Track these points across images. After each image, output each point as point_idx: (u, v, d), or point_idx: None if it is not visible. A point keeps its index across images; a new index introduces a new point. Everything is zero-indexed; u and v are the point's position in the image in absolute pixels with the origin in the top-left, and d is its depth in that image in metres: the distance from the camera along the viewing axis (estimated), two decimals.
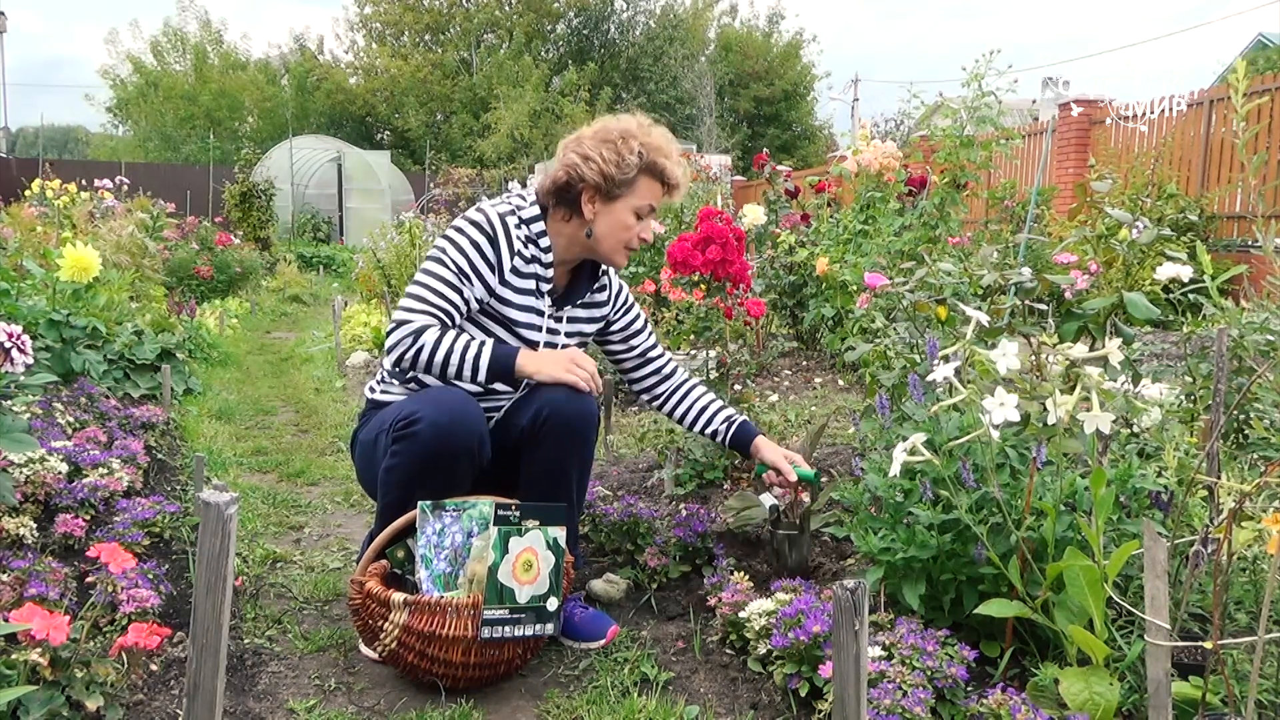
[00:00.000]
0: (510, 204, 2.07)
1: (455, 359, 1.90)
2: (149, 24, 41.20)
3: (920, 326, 2.62)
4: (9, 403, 2.17)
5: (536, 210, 2.05)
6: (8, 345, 1.81)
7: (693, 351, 3.32)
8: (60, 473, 2.54)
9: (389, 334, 1.96)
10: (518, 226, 2.03)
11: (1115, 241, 2.42)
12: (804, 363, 5.33)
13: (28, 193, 9.04)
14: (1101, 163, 7.94)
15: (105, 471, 2.67)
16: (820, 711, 1.68)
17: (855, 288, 4.36)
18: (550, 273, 2.07)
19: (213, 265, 9.11)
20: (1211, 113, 8.01)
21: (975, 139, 4.21)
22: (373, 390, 2.14)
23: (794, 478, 2.21)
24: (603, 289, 2.22)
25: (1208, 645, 1.35)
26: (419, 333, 1.91)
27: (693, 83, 25.62)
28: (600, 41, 30.20)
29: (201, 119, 27.28)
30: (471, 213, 2.04)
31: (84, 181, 9.31)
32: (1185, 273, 2.19)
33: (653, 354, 2.35)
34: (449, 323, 1.97)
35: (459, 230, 2.01)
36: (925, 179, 4.46)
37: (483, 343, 1.95)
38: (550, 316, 2.10)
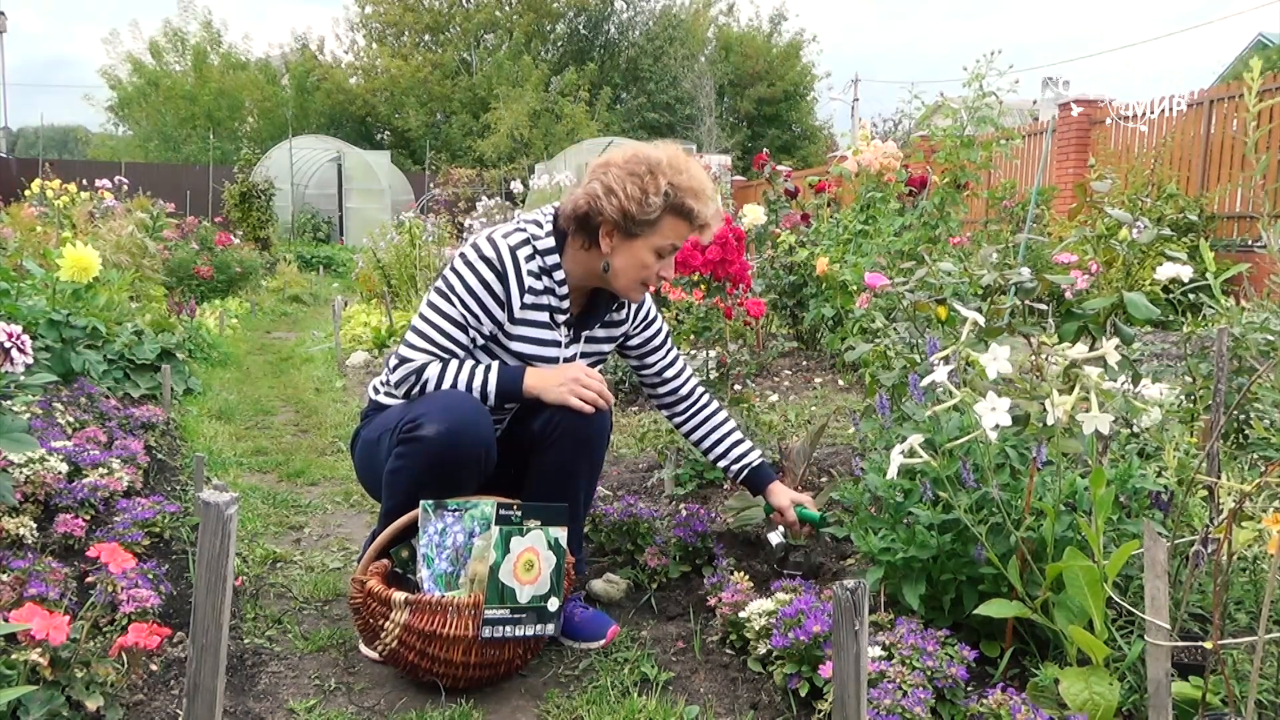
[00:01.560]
0: (526, 233, 2.00)
1: (462, 389, 1.92)
2: (149, 24, 41.18)
3: (920, 326, 2.62)
4: (9, 403, 2.17)
5: (552, 242, 1.98)
6: (8, 345, 1.81)
7: (693, 351, 3.32)
8: (60, 473, 2.54)
9: (393, 370, 1.98)
10: (530, 259, 1.98)
11: (1115, 241, 2.42)
12: (804, 363, 5.33)
13: (28, 193, 9.04)
14: (1101, 163, 7.94)
15: (105, 471, 2.67)
16: (820, 711, 1.68)
17: (855, 288, 4.36)
18: (565, 303, 2.02)
19: (213, 265, 9.10)
20: (1211, 113, 8.01)
21: (975, 139, 4.21)
22: (376, 391, 2.14)
23: (793, 517, 2.25)
24: (621, 307, 2.16)
25: (1208, 645, 1.35)
26: (421, 370, 1.94)
27: (693, 83, 25.62)
28: (600, 41, 30.20)
29: (201, 119, 27.27)
30: (483, 244, 1.97)
31: (84, 181, 9.31)
32: (1185, 273, 2.19)
33: (669, 373, 2.28)
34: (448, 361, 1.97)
35: (469, 265, 1.95)
36: (925, 179, 4.46)
37: (488, 367, 1.94)
38: (567, 344, 2.07)
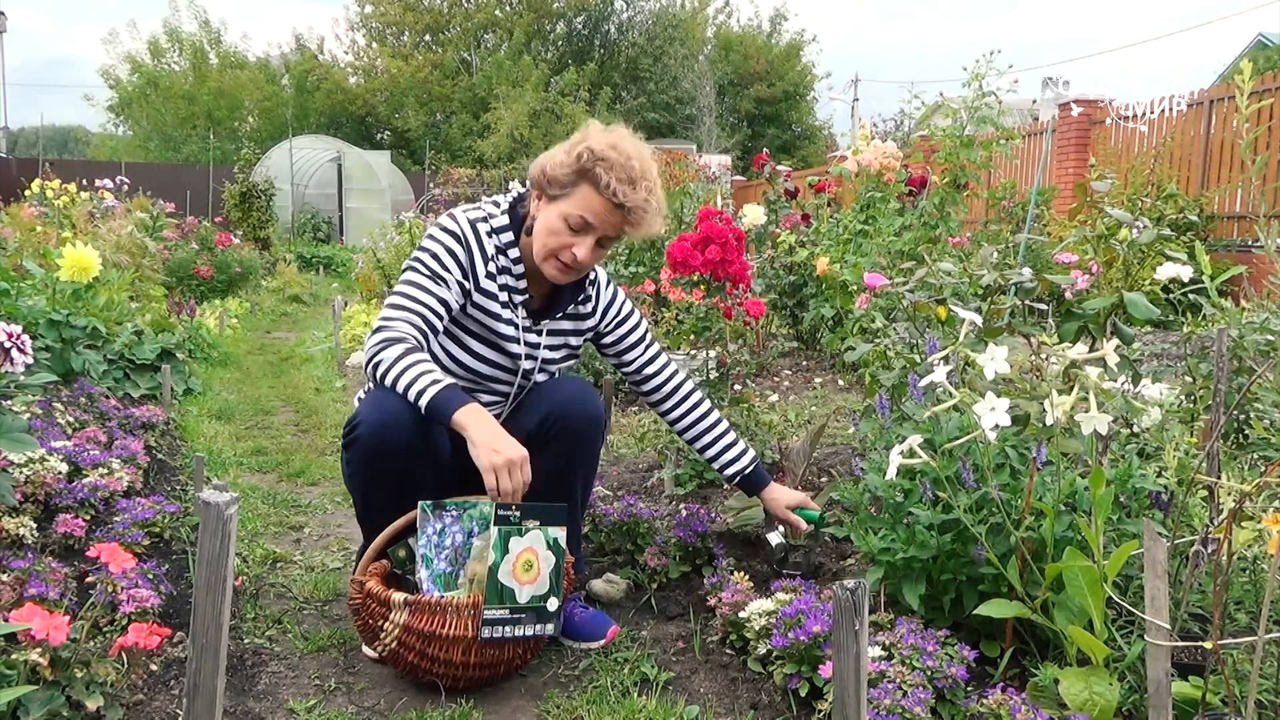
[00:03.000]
0: (483, 211, 2.04)
1: (402, 385, 1.81)
2: (148, 24, 41.18)
3: (920, 326, 2.62)
4: (9, 403, 2.17)
5: (506, 221, 2.01)
6: (8, 345, 1.81)
7: (693, 351, 3.32)
8: (60, 473, 2.54)
9: (369, 338, 1.96)
10: (489, 235, 2.00)
11: (1115, 241, 2.41)
12: (804, 363, 5.33)
13: (28, 193, 9.02)
14: (1101, 163, 7.94)
15: (105, 471, 2.67)
16: (820, 711, 1.68)
17: (855, 288, 4.35)
18: (522, 284, 2.02)
19: (213, 265, 9.10)
20: (1211, 113, 8.02)
21: (975, 139, 4.21)
22: (360, 400, 2.14)
23: (803, 525, 2.26)
24: (586, 300, 2.15)
25: (1208, 645, 1.35)
26: (386, 344, 1.85)
27: (692, 83, 25.61)
28: (600, 41, 30.20)
29: (201, 119, 27.27)
30: (444, 219, 2.02)
31: (84, 181, 9.29)
32: (1185, 273, 2.19)
33: (650, 369, 2.27)
34: (426, 329, 1.92)
35: (431, 237, 1.99)
36: (925, 179, 4.46)
37: (434, 381, 1.81)
38: (528, 330, 2.06)
